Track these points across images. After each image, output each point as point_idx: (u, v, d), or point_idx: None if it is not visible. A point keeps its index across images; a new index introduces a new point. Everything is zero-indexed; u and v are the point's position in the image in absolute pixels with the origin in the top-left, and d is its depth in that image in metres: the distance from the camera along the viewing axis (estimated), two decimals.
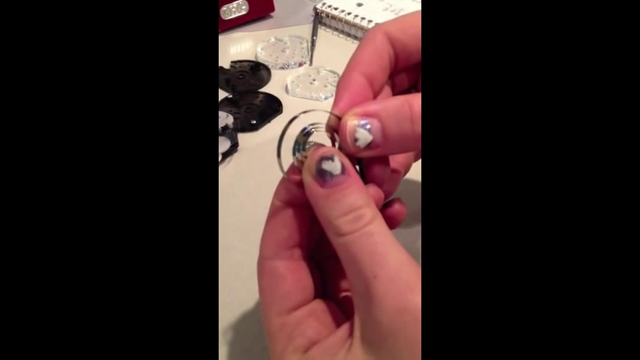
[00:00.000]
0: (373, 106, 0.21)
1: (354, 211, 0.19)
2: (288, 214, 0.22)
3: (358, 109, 0.21)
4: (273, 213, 0.23)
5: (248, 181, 0.39)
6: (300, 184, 0.21)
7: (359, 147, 0.21)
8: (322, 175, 0.20)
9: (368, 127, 0.21)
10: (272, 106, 0.47)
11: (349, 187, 0.20)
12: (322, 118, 0.23)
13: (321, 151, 0.21)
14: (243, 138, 0.43)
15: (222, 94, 0.49)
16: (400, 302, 0.18)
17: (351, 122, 0.21)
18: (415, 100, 0.21)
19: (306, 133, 0.22)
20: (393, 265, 0.18)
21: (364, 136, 0.21)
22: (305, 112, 0.22)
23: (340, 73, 0.52)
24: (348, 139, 0.21)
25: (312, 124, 0.22)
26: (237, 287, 0.32)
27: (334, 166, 0.20)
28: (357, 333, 0.19)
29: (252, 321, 0.30)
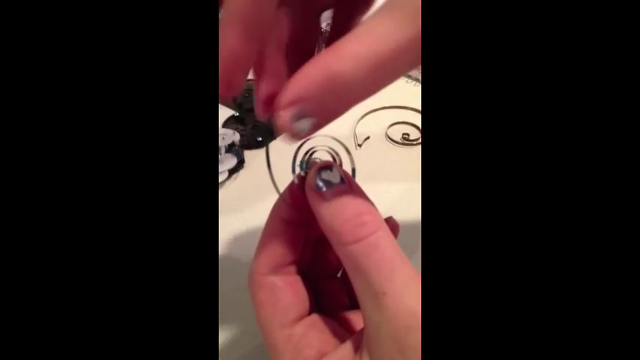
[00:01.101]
0: (294, 91, 0.17)
1: (357, 217, 0.19)
2: (285, 232, 0.23)
3: (281, 102, 0.17)
4: (269, 230, 0.23)
5: (254, 197, 0.40)
6: (297, 203, 0.22)
7: (305, 134, 0.18)
8: (322, 185, 0.20)
9: (302, 115, 0.17)
10: None
11: (350, 193, 0.20)
12: (323, 140, 0.23)
13: (319, 163, 0.21)
14: (249, 155, 0.44)
15: (229, 112, 0.50)
16: (411, 320, 0.18)
17: (282, 121, 0.18)
18: (332, 56, 0.17)
19: (309, 153, 0.23)
20: (401, 280, 0.18)
21: (304, 126, 0.18)
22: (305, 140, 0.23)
23: None
24: (290, 139, 0.18)
25: (312, 149, 0.23)
26: (243, 301, 0.32)
27: (333, 175, 0.20)
28: (365, 347, 0.19)
29: (257, 336, 0.31)
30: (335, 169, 0.21)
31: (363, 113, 0.49)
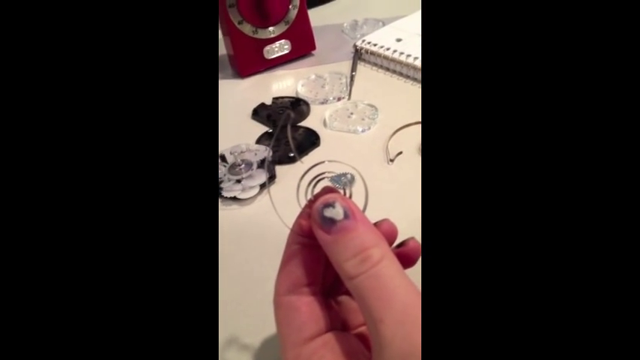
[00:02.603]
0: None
1: (361, 253, 0.20)
2: (303, 256, 0.23)
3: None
4: (288, 254, 0.24)
5: (284, 211, 0.40)
6: (310, 232, 0.22)
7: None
8: (326, 223, 0.21)
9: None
10: (310, 139, 0.48)
11: (354, 230, 0.20)
12: (334, 168, 0.24)
13: (322, 199, 0.21)
14: (281, 170, 0.45)
15: (263, 129, 0.51)
16: (406, 347, 0.18)
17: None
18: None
19: (314, 183, 0.23)
20: (399, 307, 0.18)
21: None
22: (317, 164, 0.23)
23: (378, 107, 0.53)
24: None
25: (319, 175, 0.23)
26: (272, 317, 0.32)
27: (336, 212, 0.21)
28: None
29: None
30: (338, 205, 0.21)
31: (396, 129, 0.48)
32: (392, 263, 0.20)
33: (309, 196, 0.23)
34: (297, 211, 0.24)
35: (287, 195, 0.24)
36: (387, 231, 0.23)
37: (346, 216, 0.21)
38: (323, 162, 0.23)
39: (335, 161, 0.23)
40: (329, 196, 0.21)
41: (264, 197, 0.42)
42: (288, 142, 0.48)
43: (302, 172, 0.23)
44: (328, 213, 0.21)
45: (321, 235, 0.21)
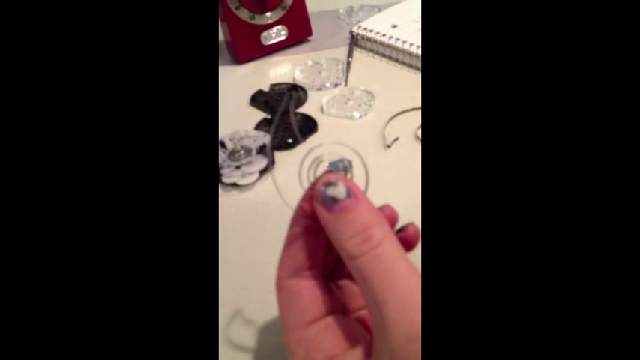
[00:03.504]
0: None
1: (363, 233, 0.20)
2: (305, 239, 0.23)
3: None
4: (290, 238, 0.24)
5: (284, 196, 0.41)
6: (312, 214, 0.22)
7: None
8: (329, 201, 0.21)
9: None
10: (308, 125, 0.49)
11: (356, 209, 0.20)
12: (334, 150, 0.24)
13: (324, 179, 0.21)
14: (280, 156, 0.45)
15: (261, 115, 0.51)
16: (410, 330, 0.18)
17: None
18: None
19: (315, 167, 0.23)
20: (402, 290, 0.18)
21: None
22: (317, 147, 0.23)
23: (375, 93, 0.54)
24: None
25: (319, 157, 0.23)
26: (272, 302, 0.33)
27: (338, 190, 0.21)
28: (373, 357, 0.19)
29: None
30: (340, 184, 0.21)
31: (393, 115, 0.49)
32: (394, 244, 0.20)
33: (311, 179, 0.23)
34: (298, 195, 0.24)
35: (286, 181, 0.24)
36: (388, 216, 0.24)
37: (348, 195, 0.21)
38: (321, 144, 0.24)
39: (335, 143, 0.23)
40: (331, 176, 0.22)
41: (263, 183, 0.43)
42: (285, 128, 0.48)
43: (301, 158, 0.23)
44: (330, 192, 0.21)
45: (322, 214, 0.21)
